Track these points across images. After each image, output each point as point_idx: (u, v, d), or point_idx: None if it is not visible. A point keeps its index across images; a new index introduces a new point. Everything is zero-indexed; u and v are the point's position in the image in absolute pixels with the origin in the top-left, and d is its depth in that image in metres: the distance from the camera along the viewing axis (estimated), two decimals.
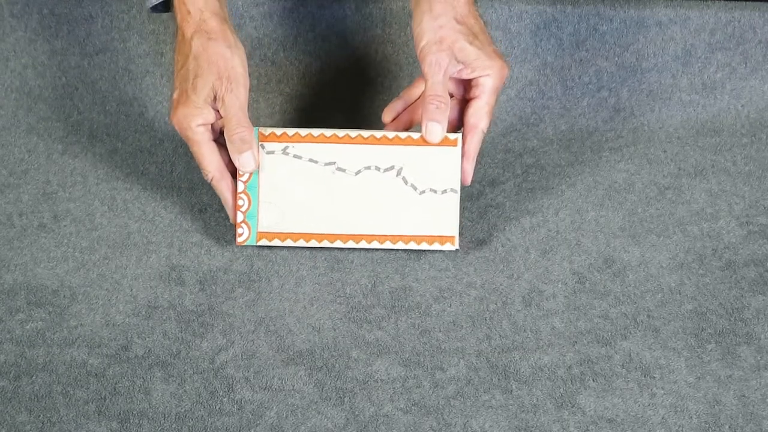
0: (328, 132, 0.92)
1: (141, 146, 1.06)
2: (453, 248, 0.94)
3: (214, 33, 0.90)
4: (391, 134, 0.92)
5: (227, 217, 0.99)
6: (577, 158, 1.06)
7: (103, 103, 1.09)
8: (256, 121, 1.09)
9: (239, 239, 0.94)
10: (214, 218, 0.99)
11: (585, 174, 1.04)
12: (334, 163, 0.92)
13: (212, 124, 0.92)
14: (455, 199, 0.93)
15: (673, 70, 1.09)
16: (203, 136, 0.92)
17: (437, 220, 0.93)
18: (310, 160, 0.92)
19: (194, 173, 1.04)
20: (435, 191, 0.93)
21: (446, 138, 0.92)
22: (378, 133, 0.92)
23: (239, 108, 0.91)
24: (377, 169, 0.92)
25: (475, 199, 1.02)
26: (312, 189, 0.93)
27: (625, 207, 1.00)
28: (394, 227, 0.94)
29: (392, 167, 0.92)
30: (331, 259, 0.95)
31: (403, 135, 0.91)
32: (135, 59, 1.09)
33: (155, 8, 0.94)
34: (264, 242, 0.94)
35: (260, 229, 0.94)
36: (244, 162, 0.92)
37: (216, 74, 0.90)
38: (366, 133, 0.92)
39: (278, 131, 0.92)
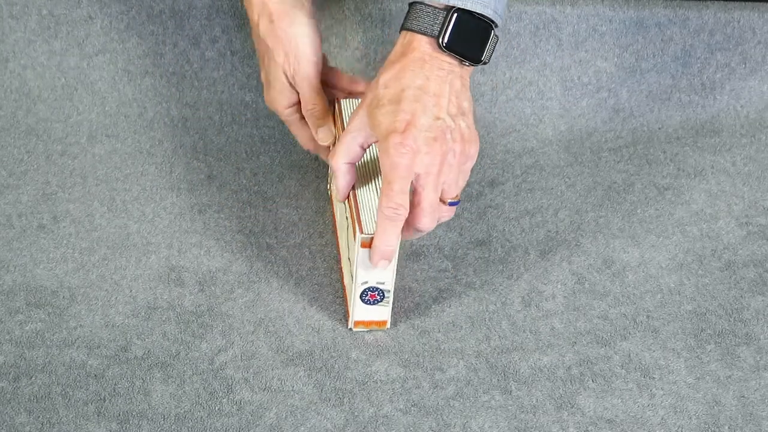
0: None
1: (140, 147, 1.06)
2: (351, 328, 0.89)
3: (275, 14, 0.90)
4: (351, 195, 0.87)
5: (227, 218, 0.99)
6: (577, 159, 1.06)
7: (103, 103, 1.09)
8: (256, 121, 1.09)
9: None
10: (213, 219, 0.99)
11: (584, 174, 1.04)
12: None
13: (299, 102, 0.93)
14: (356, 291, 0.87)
15: (672, 71, 1.09)
16: (292, 116, 0.94)
17: (350, 296, 0.89)
18: None
19: (194, 174, 1.04)
20: (351, 270, 0.88)
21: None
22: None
23: (308, 85, 0.91)
24: (345, 210, 0.89)
25: (475, 200, 1.02)
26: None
27: (625, 207, 1.00)
28: (345, 273, 0.92)
29: (347, 218, 0.88)
30: (331, 259, 0.95)
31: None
32: (134, 60, 1.09)
33: None
34: None
35: (329, 188, 0.96)
36: (321, 137, 0.93)
37: (283, 55, 0.90)
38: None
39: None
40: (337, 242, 0.96)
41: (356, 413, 0.83)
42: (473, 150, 0.82)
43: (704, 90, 1.09)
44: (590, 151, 1.07)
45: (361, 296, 0.87)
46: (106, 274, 0.94)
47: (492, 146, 1.07)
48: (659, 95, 1.09)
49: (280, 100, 0.92)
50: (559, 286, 0.93)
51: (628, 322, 0.90)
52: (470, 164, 0.83)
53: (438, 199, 0.82)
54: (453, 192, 0.83)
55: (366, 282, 0.86)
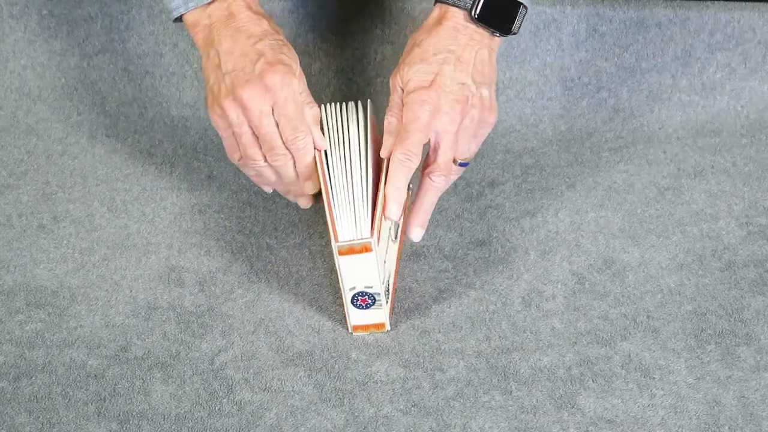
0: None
1: (140, 147, 1.06)
2: (351, 332, 0.89)
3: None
4: (326, 204, 0.85)
5: (227, 218, 0.99)
6: (577, 159, 1.06)
7: (103, 104, 1.09)
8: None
9: None
10: (213, 219, 0.99)
11: (584, 175, 1.04)
12: None
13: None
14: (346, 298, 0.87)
15: (672, 71, 1.08)
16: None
17: (344, 303, 0.88)
18: None
19: (194, 174, 1.04)
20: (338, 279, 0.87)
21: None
22: (325, 197, 0.86)
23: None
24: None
25: (475, 200, 1.02)
26: None
27: (625, 208, 1.00)
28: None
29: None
30: (331, 260, 0.95)
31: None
32: (134, 60, 1.09)
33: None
34: None
35: None
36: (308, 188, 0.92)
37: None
38: (323, 190, 0.86)
39: None
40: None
41: (356, 414, 0.83)
42: (491, 118, 0.88)
43: (704, 90, 1.09)
44: (590, 151, 1.07)
45: (352, 302, 0.87)
46: (106, 274, 0.94)
47: (492, 146, 1.07)
48: (659, 95, 1.09)
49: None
50: (559, 287, 0.93)
51: (628, 322, 0.90)
52: (485, 131, 0.89)
53: (452, 158, 0.87)
54: (464, 154, 0.88)
55: (354, 287, 0.86)
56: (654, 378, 0.85)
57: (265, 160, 0.88)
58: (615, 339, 0.88)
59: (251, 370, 0.86)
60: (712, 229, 0.98)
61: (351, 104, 0.92)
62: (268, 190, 0.94)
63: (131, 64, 1.09)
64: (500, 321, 0.90)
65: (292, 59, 0.87)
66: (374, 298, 0.87)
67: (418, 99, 0.85)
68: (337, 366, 0.87)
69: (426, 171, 0.88)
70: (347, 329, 0.89)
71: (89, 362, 0.87)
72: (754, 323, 0.90)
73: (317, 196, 0.93)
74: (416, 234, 0.91)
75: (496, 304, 0.92)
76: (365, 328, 0.89)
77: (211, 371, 0.86)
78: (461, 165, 0.89)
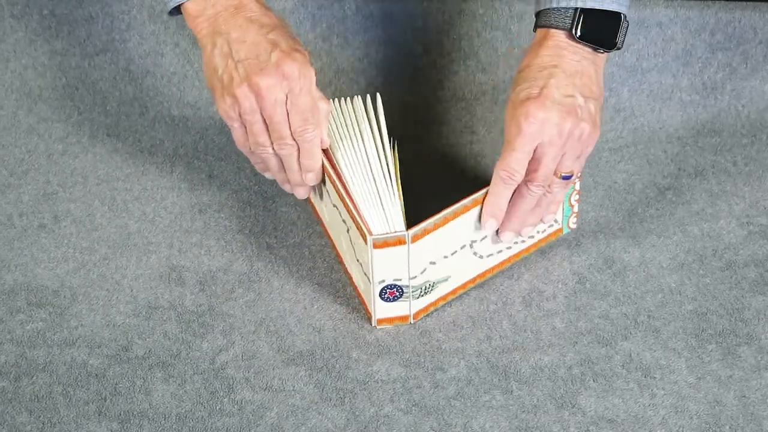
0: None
1: (141, 147, 1.06)
2: (374, 325, 0.90)
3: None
4: (347, 199, 0.85)
5: (227, 217, 0.99)
6: None
7: (104, 103, 1.09)
8: None
9: None
10: (214, 219, 0.99)
11: (585, 174, 1.03)
12: (324, 184, 0.90)
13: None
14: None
15: (673, 70, 1.08)
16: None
17: (367, 295, 0.89)
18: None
19: (194, 173, 1.04)
20: (363, 271, 0.87)
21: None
22: (343, 191, 0.86)
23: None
24: (339, 213, 0.89)
25: None
26: (319, 194, 0.93)
27: (625, 207, 1.00)
28: (353, 273, 0.91)
29: (345, 221, 0.88)
30: (331, 259, 0.95)
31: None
32: (135, 60, 1.09)
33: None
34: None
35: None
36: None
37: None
38: (341, 186, 0.86)
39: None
40: (332, 243, 0.96)
41: (357, 413, 0.83)
42: (596, 135, 0.85)
43: (705, 90, 1.09)
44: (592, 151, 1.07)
45: (380, 294, 0.87)
46: (106, 274, 0.94)
47: (493, 146, 1.06)
48: (660, 95, 1.08)
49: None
50: (560, 286, 0.93)
51: (629, 321, 0.90)
52: (590, 149, 0.86)
53: (553, 172, 0.85)
54: (568, 167, 0.85)
55: (383, 280, 0.86)
56: (655, 378, 0.85)
57: (273, 148, 0.88)
58: (616, 338, 0.88)
59: (252, 370, 0.86)
60: (712, 229, 0.98)
61: (358, 98, 0.92)
62: (269, 176, 0.93)
63: (132, 63, 1.09)
64: (501, 320, 0.90)
65: (305, 53, 0.87)
66: (402, 291, 0.87)
67: (524, 111, 0.83)
68: (337, 365, 0.87)
69: (526, 179, 0.85)
70: (370, 323, 0.89)
71: (90, 362, 0.87)
72: (754, 323, 0.89)
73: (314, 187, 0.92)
74: (508, 238, 0.89)
75: (496, 304, 0.91)
76: (390, 321, 0.89)
77: (211, 371, 0.86)
78: (564, 178, 0.86)
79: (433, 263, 0.87)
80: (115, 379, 0.85)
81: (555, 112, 0.82)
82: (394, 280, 0.86)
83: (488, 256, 0.91)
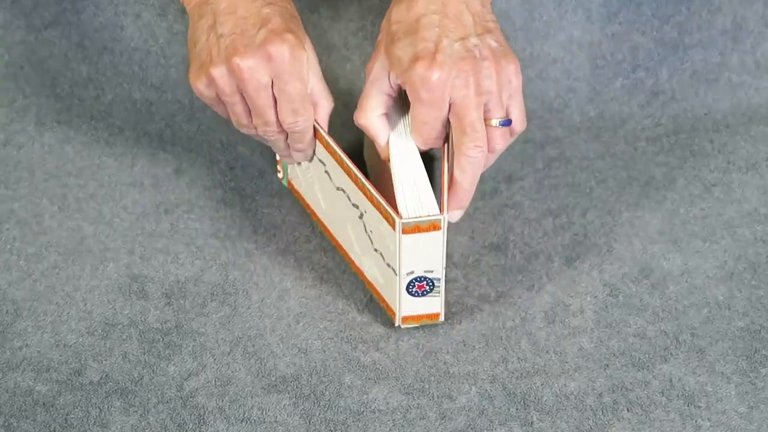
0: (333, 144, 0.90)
1: (97, 136, 1.06)
2: (399, 325, 0.91)
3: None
4: (362, 178, 0.87)
5: (198, 219, 0.99)
6: (609, 150, 1.06)
7: (53, 85, 1.09)
8: None
9: (278, 174, 1.01)
10: (182, 220, 0.99)
11: (617, 168, 1.04)
12: (324, 164, 0.92)
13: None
14: (400, 283, 0.88)
15: (720, 47, 1.08)
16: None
17: (389, 290, 0.90)
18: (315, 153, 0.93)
19: (159, 167, 1.03)
20: (386, 263, 0.89)
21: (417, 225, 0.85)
22: (356, 171, 0.87)
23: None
24: (348, 197, 0.90)
25: (489, 198, 1.02)
26: (316, 176, 0.94)
27: (665, 207, 1.00)
28: (365, 268, 0.93)
29: (357, 206, 0.90)
30: (320, 268, 0.96)
31: (370, 187, 0.87)
32: (90, 34, 1.09)
33: None
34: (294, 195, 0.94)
35: (290, 177, 0.99)
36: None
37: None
38: (350, 164, 0.88)
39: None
40: (330, 236, 0.96)
41: None
42: (511, 67, 0.85)
43: (758, 69, 1.09)
44: (624, 140, 1.07)
45: (407, 288, 0.88)
46: (56, 285, 0.94)
47: None
48: (705, 75, 1.09)
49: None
50: (588, 299, 0.93)
51: (669, 341, 0.90)
52: (514, 83, 0.86)
53: (482, 120, 0.85)
54: (498, 111, 0.85)
55: (412, 272, 0.87)
56: (699, 407, 0.86)
57: (257, 131, 0.89)
58: (654, 361, 0.89)
59: (227, 398, 0.86)
60: (766, 232, 0.98)
61: None
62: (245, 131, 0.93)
63: (86, 38, 1.09)
64: (519, 339, 0.90)
65: (302, 35, 0.87)
66: (433, 284, 0.88)
67: (418, 77, 0.83)
68: (327, 393, 0.87)
69: (458, 149, 0.86)
70: (394, 322, 0.90)
71: (37, 388, 0.86)
72: None
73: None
74: (455, 216, 0.89)
75: (514, 320, 0.92)
76: (417, 318, 0.90)
77: (179, 399, 0.86)
78: (503, 125, 0.86)
79: None
80: (66, 409, 0.85)
81: (451, 66, 0.83)
82: (425, 271, 0.87)
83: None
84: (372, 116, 0.88)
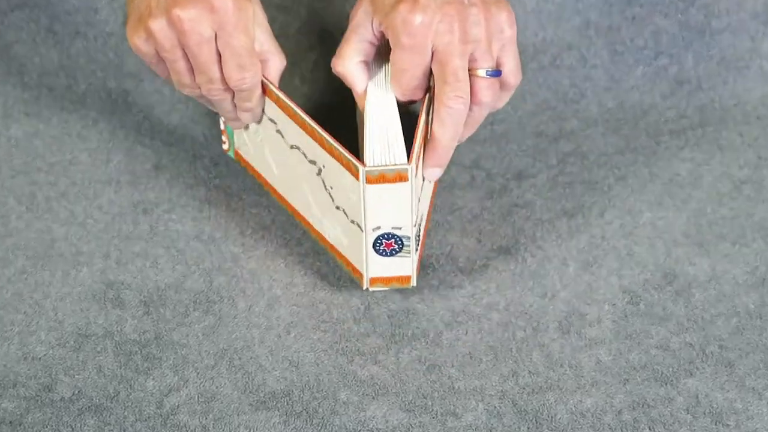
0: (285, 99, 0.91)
1: (69, 129, 1.06)
2: (367, 288, 0.93)
3: None
4: (319, 129, 0.89)
5: (179, 220, 0.99)
6: (629, 144, 1.06)
7: (20, 73, 1.09)
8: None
9: (224, 146, 1.03)
10: (162, 221, 0.99)
11: (638, 164, 1.04)
12: (275, 123, 0.93)
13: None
14: (366, 239, 0.90)
15: (751, 32, 1.09)
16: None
17: (354, 250, 0.92)
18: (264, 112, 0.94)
19: (137, 163, 1.04)
20: (349, 220, 0.90)
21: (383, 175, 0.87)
22: (312, 123, 0.90)
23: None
24: (304, 155, 0.91)
25: (498, 197, 1.01)
26: (266, 139, 0.95)
27: (690, 206, 1.00)
28: (326, 230, 0.94)
29: (314, 162, 0.91)
30: (313, 273, 0.95)
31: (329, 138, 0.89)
32: (61, 17, 1.09)
33: None
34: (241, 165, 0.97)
35: (236, 147, 1.01)
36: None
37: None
38: (305, 116, 0.90)
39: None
40: (285, 204, 0.98)
41: None
42: (503, 14, 0.87)
43: None
44: (646, 134, 1.07)
45: (374, 246, 0.88)
46: (24, 292, 0.94)
47: (520, 128, 1.07)
48: (735, 63, 1.09)
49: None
50: (606, 308, 0.93)
51: (694, 353, 0.90)
52: (508, 32, 0.87)
53: (465, 69, 0.86)
54: (485, 61, 0.87)
55: (378, 227, 0.87)
56: (728, 425, 0.86)
57: (200, 91, 0.90)
58: (678, 375, 0.88)
59: (211, 415, 0.86)
60: None
61: None
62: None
63: (57, 21, 1.09)
64: (531, 352, 0.90)
65: None
66: (402, 243, 0.88)
67: (398, 20, 0.85)
68: (321, 410, 0.86)
69: (438, 99, 0.87)
70: (362, 284, 0.91)
71: (3, 405, 0.86)
72: None
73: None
74: (432, 174, 0.90)
75: (525, 330, 0.91)
76: (386, 281, 0.91)
77: (159, 417, 0.86)
78: (491, 75, 0.87)
79: (419, 200, 0.89)
80: (35, 428, 0.85)
81: (434, 10, 0.84)
82: (393, 228, 0.87)
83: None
84: (350, 63, 0.90)
